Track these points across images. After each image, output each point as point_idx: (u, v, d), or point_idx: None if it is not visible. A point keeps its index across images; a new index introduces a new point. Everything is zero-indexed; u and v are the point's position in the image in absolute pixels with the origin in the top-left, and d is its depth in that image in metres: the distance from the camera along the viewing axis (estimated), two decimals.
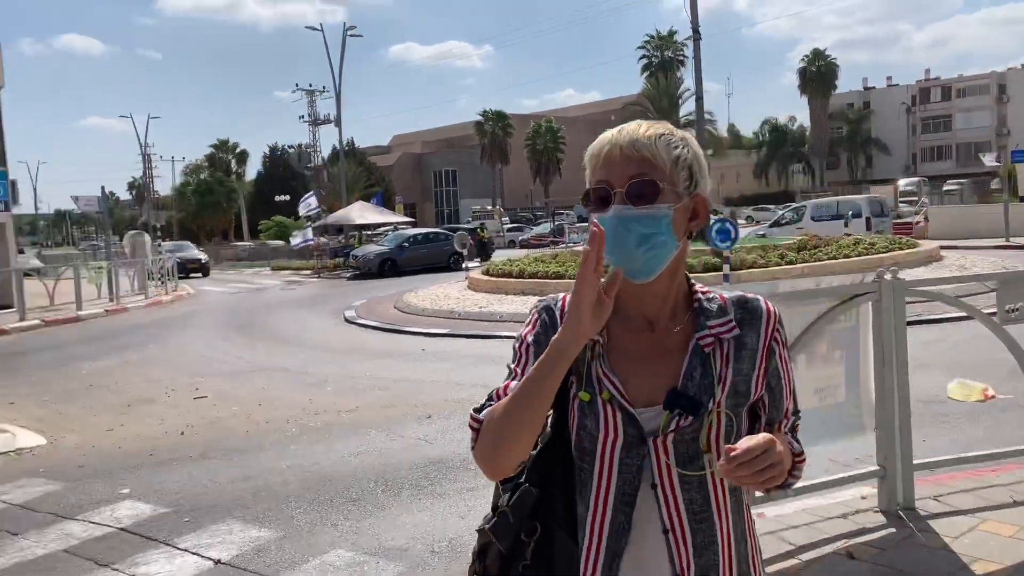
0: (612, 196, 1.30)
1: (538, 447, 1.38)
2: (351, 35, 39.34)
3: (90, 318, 18.34)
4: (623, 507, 1.34)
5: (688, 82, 52.68)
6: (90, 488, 5.92)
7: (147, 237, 27.39)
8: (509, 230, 46.46)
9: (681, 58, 59.43)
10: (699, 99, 19.51)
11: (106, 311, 19.33)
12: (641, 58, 63.27)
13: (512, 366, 1.39)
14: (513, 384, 1.33)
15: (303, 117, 65.38)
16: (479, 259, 29.10)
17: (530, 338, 1.40)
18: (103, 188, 23.72)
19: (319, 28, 39.00)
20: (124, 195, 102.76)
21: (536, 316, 1.43)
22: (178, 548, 4.69)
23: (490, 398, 1.37)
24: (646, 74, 61.33)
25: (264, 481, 5.88)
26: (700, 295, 1.41)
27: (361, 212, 33.41)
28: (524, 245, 39.63)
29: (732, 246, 13.42)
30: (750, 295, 1.44)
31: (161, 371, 11.01)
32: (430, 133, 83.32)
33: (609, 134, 1.35)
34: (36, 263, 35.38)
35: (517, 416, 1.27)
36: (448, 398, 7.87)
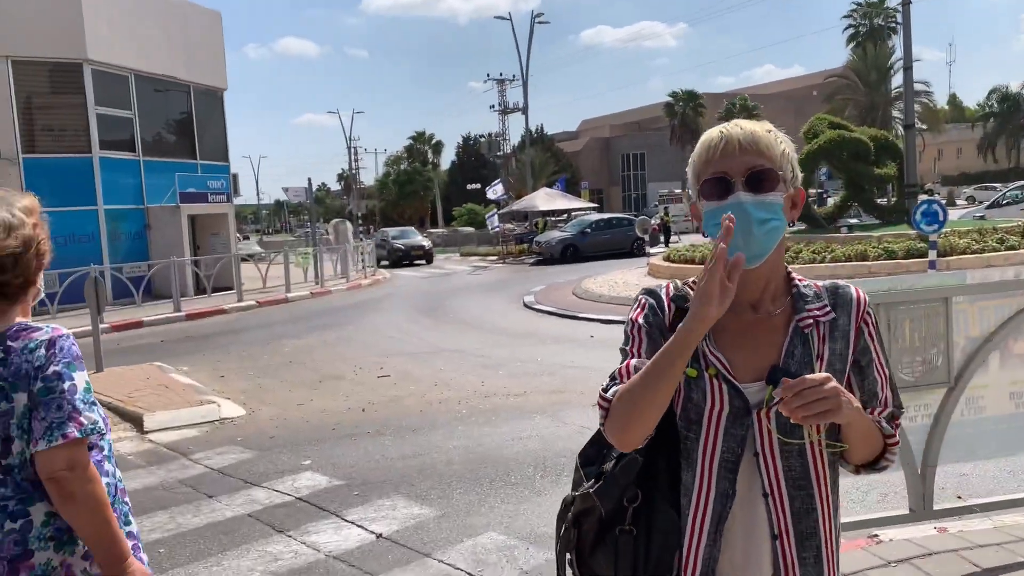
0: (732, 185, 1.41)
1: None
2: (539, 22, 39.79)
3: (297, 300, 19.97)
4: (727, 473, 1.44)
5: (900, 52, 48.44)
6: (277, 458, 6.43)
7: (349, 225, 29.39)
8: None
9: (892, 25, 54.68)
10: (907, 69, 17.79)
11: (311, 293, 20.96)
12: (847, 28, 59.01)
13: (627, 347, 1.51)
14: (634, 363, 1.46)
15: (493, 106, 67.22)
16: (663, 244, 28.52)
17: (640, 320, 1.52)
18: (309, 180, 25.80)
19: (508, 17, 39.73)
20: (334, 186, 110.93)
21: (644, 300, 1.55)
22: (345, 520, 4.98)
23: (613, 378, 1.48)
24: (852, 45, 57.09)
25: (430, 459, 6.10)
26: (798, 282, 1.52)
27: (545, 198, 33.82)
28: None
29: (940, 230, 12.18)
30: (841, 282, 1.55)
31: (352, 350, 11.76)
32: (618, 117, 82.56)
33: (722, 129, 1.45)
34: (257, 249, 39.08)
35: (648, 394, 1.38)
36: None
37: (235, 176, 27.20)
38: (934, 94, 53.20)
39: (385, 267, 30.22)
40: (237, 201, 26.39)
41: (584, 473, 1.56)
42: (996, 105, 65.69)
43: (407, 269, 30.23)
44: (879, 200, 21.35)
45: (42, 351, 1.76)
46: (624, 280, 17.79)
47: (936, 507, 3.51)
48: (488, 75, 71.25)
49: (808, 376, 1.30)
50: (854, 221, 21.10)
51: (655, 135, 70.31)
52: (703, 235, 1.50)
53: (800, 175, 1.50)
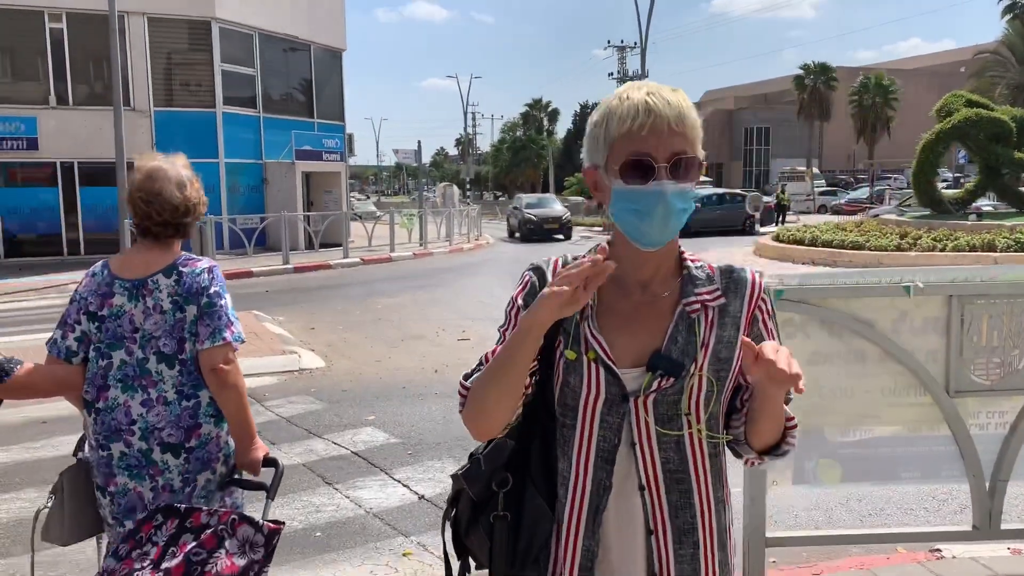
0: (655, 170, 1.29)
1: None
2: None
3: (399, 260, 20.39)
4: (604, 464, 1.37)
5: None
6: (344, 411, 6.56)
7: (456, 189, 29.69)
8: (822, 193, 43.01)
9: None
10: None
11: (414, 254, 21.35)
12: None
13: (502, 329, 1.43)
14: (500, 349, 1.36)
15: (611, 74, 66.01)
16: (778, 223, 27.37)
17: (520, 301, 1.42)
18: (419, 143, 26.15)
19: None
20: (452, 150, 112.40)
21: (528, 278, 1.45)
22: (393, 478, 5.01)
23: (480, 364, 1.39)
24: (1008, 17, 52.45)
25: None
26: (690, 262, 1.42)
27: None
28: (836, 211, 36.38)
29: None
30: (736, 265, 1.46)
31: (439, 311, 11.88)
32: (744, 88, 79.49)
33: (647, 99, 1.30)
34: (372, 208, 40.13)
35: (495, 384, 1.32)
36: None
37: (351, 136, 28.04)
38: None
39: (516, 240, 27.41)
40: (359, 161, 27.11)
41: (476, 450, 1.50)
42: None
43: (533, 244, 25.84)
44: (1022, 187, 19.64)
45: (205, 275, 2.37)
46: (729, 258, 17.04)
47: (1005, 526, 3.15)
48: (608, 42, 69.88)
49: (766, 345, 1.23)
50: (988, 208, 19.51)
51: (782, 109, 67.33)
52: (599, 207, 1.37)
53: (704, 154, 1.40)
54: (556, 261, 1.44)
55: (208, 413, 2.37)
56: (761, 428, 1.37)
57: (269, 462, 2.45)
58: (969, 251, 13.67)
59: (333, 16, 25.30)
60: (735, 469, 4.74)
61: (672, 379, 1.34)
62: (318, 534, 4.24)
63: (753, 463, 1.45)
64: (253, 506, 2.55)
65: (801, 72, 62.04)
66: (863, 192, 41.52)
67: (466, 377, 1.40)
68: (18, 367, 2.28)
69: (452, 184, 32.42)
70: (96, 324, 2.35)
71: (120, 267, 2.40)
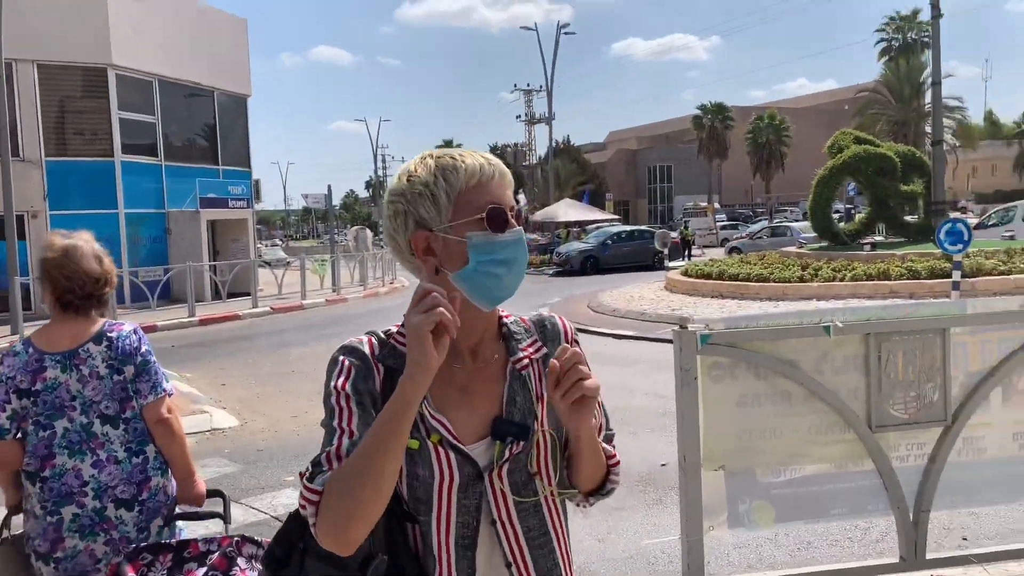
0: (509, 220, 1.28)
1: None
2: (565, 33, 39.63)
3: (312, 307, 19.92)
4: (464, 551, 1.29)
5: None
6: (261, 473, 6.27)
7: (369, 232, 29.38)
8: (723, 227, 44.59)
9: (925, 39, 53.76)
10: (936, 84, 17.33)
11: (327, 301, 20.91)
12: (879, 42, 58.20)
13: (334, 423, 1.25)
14: (346, 444, 1.21)
15: (519, 117, 67.21)
16: (684, 258, 28.16)
17: (348, 389, 1.27)
18: (329, 187, 25.84)
19: (534, 28, 39.63)
20: (363, 192, 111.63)
21: (347, 363, 1.30)
22: None
23: (318, 464, 1.22)
24: (884, 59, 56.27)
25: None
26: (505, 320, 1.40)
27: (567, 209, 33.59)
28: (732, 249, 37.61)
29: (965, 249, 11.77)
30: (545, 313, 1.46)
31: None
32: (646, 129, 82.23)
33: (484, 160, 1.30)
34: (281, 255, 39.26)
35: (373, 475, 1.15)
36: (618, 405, 7.55)
37: (257, 182, 27.41)
38: (968, 110, 52.21)
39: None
40: (266, 207, 26.49)
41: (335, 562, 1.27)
42: None
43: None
44: (908, 218, 20.83)
45: (133, 336, 2.58)
46: (640, 294, 17.49)
47: (930, 556, 3.23)
48: (515, 85, 71.24)
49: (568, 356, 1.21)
50: (879, 239, 20.61)
51: (683, 148, 69.87)
52: (436, 273, 1.29)
53: None
54: (371, 340, 1.33)
55: (155, 466, 2.60)
56: (581, 467, 1.35)
57: (213, 493, 2.75)
58: (866, 280, 14.34)
59: (237, 62, 24.87)
60: (660, 512, 4.72)
61: (522, 442, 1.30)
62: None
63: (582, 506, 1.44)
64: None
65: (699, 112, 64.69)
66: (761, 225, 43.24)
67: (310, 479, 1.20)
68: None
69: (365, 227, 32.05)
70: (30, 399, 2.49)
71: (46, 343, 2.54)
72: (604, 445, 1.42)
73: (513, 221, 1.29)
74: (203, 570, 2.35)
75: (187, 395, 9.03)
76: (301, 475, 1.23)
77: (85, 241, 2.61)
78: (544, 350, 1.38)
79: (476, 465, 1.28)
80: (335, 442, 1.23)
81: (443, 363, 1.26)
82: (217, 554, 2.38)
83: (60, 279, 2.53)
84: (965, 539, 4.39)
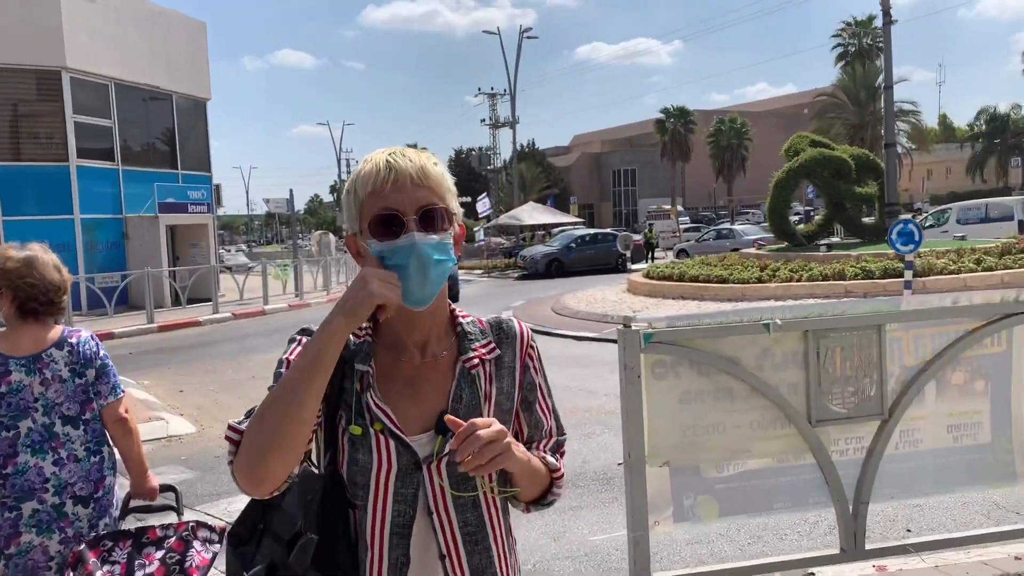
0: (405, 223, 1.28)
1: (307, 492, 1.33)
2: (528, 37, 39.83)
3: (274, 312, 19.73)
4: (400, 540, 1.33)
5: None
6: (217, 479, 6.22)
7: (332, 237, 29.17)
8: (687, 230, 45.07)
9: (880, 45, 54.87)
10: (888, 88, 17.78)
11: (289, 306, 20.73)
12: (836, 47, 59.23)
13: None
14: None
15: (484, 120, 67.22)
16: (646, 260, 28.42)
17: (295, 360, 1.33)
18: (291, 191, 25.60)
19: (496, 32, 39.76)
20: (327, 197, 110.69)
21: (301, 340, 1.38)
22: None
23: (249, 414, 1.28)
24: (841, 64, 57.33)
25: None
26: (461, 319, 1.44)
27: (531, 213, 33.70)
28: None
29: (916, 249, 12.05)
30: (504, 317, 1.49)
31: None
32: (610, 132, 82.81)
33: (388, 159, 1.31)
34: (243, 260, 38.79)
35: (286, 411, 1.20)
36: (578, 406, 7.61)
37: (218, 187, 27.00)
38: (922, 114, 53.27)
39: None
40: (228, 211, 26.16)
41: (241, 557, 1.32)
42: (985, 125, 65.90)
43: None
44: (865, 219, 21.29)
45: (91, 342, 2.77)
46: (603, 296, 17.62)
47: (870, 546, 3.33)
48: (479, 89, 71.28)
49: (475, 421, 1.22)
50: (835, 240, 21.01)
51: (647, 151, 70.50)
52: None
53: (460, 211, 1.41)
54: None
55: (108, 466, 2.78)
56: (522, 487, 1.40)
57: (166, 488, 2.96)
58: (823, 280, 14.63)
59: (196, 65, 24.56)
60: (615, 511, 4.79)
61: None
62: None
63: (526, 511, 1.49)
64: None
65: (662, 116, 65.33)
66: (757, 228, 43.74)
67: (238, 423, 1.27)
68: None
69: (328, 232, 31.80)
70: None
71: (9, 348, 2.67)
72: (547, 458, 1.45)
73: (411, 224, 1.28)
74: (161, 553, 2.56)
75: (144, 402, 8.90)
76: (233, 422, 1.28)
77: (43, 251, 2.80)
78: (497, 351, 1.42)
79: (415, 455, 1.32)
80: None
81: (391, 355, 1.37)
82: (174, 538, 2.60)
83: (23, 287, 2.70)
84: (909, 530, 4.52)
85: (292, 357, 1.34)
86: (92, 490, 2.68)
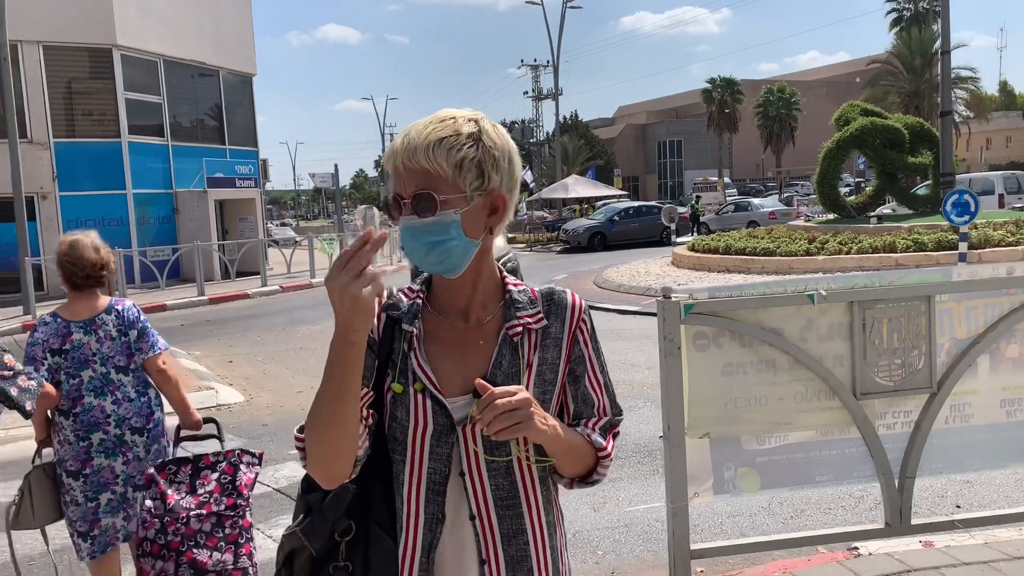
0: (401, 208, 1.31)
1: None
2: (571, 7, 39.26)
3: (320, 285, 19.99)
4: (435, 497, 1.36)
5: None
6: (265, 447, 6.33)
7: (376, 211, 29.35)
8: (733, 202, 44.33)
9: (937, 9, 52.90)
10: (945, 54, 17.10)
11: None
12: (890, 12, 57.21)
13: None
14: None
15: (526, 93, 66.76)
16: (692, 233, 28.09)
17: None
18: (336, 166, 25.89)
19: (539, 2, 39.23)
20: (372, 172, 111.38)
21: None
22: None
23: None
24: (895, 29, 55.45)
25: None
26: (511, 288, 1.44)
27: (574, 186, 33.45)
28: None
29: (971, 221, 11.68)
30: (558, 288, 1.47)
31: None
32: (655, 103, 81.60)
33: (397, 141, 1.33)
34: (290, 234, 39.33)
35: (325, 421, 1.25)
36: (619, 379, 7.60)
37: (265, 161, 27.34)
38: (981, 80, 51.39)
39: None
40: (276, 186, 26.51)
41: (304, 502, 1.41)
42: None
43: None
44: (919, 189, 20.68)
45: (133, 310, 3.46)
46: (646, 270, 17.47)
47: (916, 521, 3.27)
48: (522, 61, 70.70)
49: (498, 388, 1.24)
50: (887, 211, 20.47)
51: (693, 122, 69.37)
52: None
53: (510, 175, 1.35)
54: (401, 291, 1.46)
55: (156, 404, 3.46)
56: (556, 460, 1.39)
57: (208, 420, 3.56)
58: (872, 253, 14.29)
59: (241, 41, 24.81)
60: (656, 483, 4.79)
61: None
62: None
63: (569, 486, 1.47)
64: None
65: (708, 86, 64.08)
66: (772, 199, 43.01)
67: (300, 430, 1.33)
68: (34, 398, 2.96)
69: (372, 206, 31.96)
70: (62, 356, 3.31)
71: (71, 314, 3.38)
72: (594, 436, 1.43)
73: (406, 209, 1.30)
74: (215, 474, 3.17)
75: (194, 372, 9.14)
76: (297, 429, 1.35)
77: (86, 236, 3.45)
78: (544, 321, 1.41)
79: (450, 416, 1.34)
80: None
81: (439, 319, 1.41)
82: (224, 463, 3.20)
83: (67, 265, 3.35)
84: (959, 507, 4.43)
85: None
86: (144, 422, 3.39)
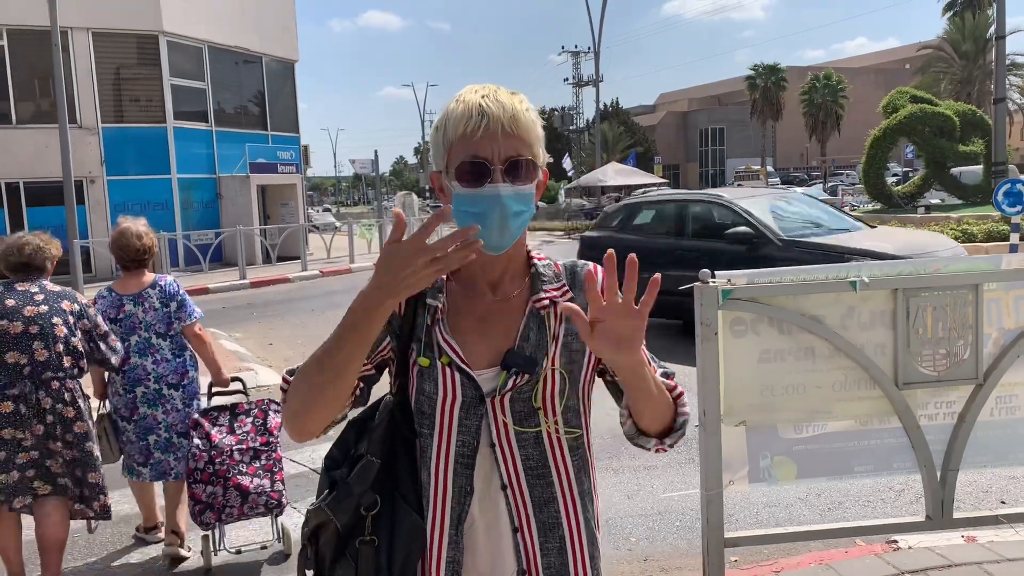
0: (491, 172, 1.28)
1: (377, 418, 1.39)
2: None
3: (360, 270, 20.19)
4: (464, 469, 1.36)
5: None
6: None
7: (415, 197, 29.52)
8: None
9: None
10: (1000, 39, 16.59)
11: (374, 264, 21.10)
12: None
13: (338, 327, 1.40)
14: None
15: (567, 79, 66.39)
16: None
17: None
18: (376, 152, 26.05)
19: None
20: (412, 159, 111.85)
21: None
22: None
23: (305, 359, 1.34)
24: (949, 14, 53.92)
25: None
26: (536, 261, 1.44)
27: (613, 174, 33.21)
28: None
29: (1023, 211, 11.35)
30: (581, 262, 1.47)
31: None
32: (697, 90, 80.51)
33: (481, 103, 1.30)
34: (330, 220, 39.71)
35: (319, 376, 1.25)
36: None
37: (306, 147, 27.65)
38: None
39: None
40: (317, 173, 26.81)
41: (329, 478, 1.42)
42: None
43: None
44: (967, 181, 20.13)
45: (174, 285, 4.16)
46: None
47: (958, 515, 3.19)
48: (563, 47, 70.24)
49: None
50: (936, 201, 19.97)
51: (736, 110, 68.33)
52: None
53: (546, 157, 1.38)
54: None
55: (190, 364, 4.22)
56: (641, 409, 1.34)
57: (235, 379, 4.34)
58: None
59: (284, 27, 25.03)
60: (690, 471, 4.75)
61: (527, 376, 1.35)
62: (278, 556, 4.15)
63: (660, 450, 1.42)
64: None
65: (752, 73, 63.03)
66: (817, 189, 42.24)
67: (290, 372, 1.34)
68: (119, 355, 3.91)
69: (411, 193, 32.17)
70: (116, 324, 4.06)
71: (122, 289, 4.16)
72: (663, 379, 1.39)
73: (498, 175, 1.27)
74: (250, 419, 4.04)
75: (235, 353, 9.29)
76: (287, 372, 1.36)
77: (132, 223, 4.19)
78: (570, 294, 1.41)
79: (479, 389, 1.35)
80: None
81: (464, 292, 1.40)
82: (256, 409, 4.07)
83: (116, 250, 4.14)
84: (1003, 502, 4.32)
85: None
86: (179, 379, 4.15)
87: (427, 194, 53.49)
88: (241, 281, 17.84)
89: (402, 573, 1.35)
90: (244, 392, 4.20)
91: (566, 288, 1.43)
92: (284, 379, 1.35)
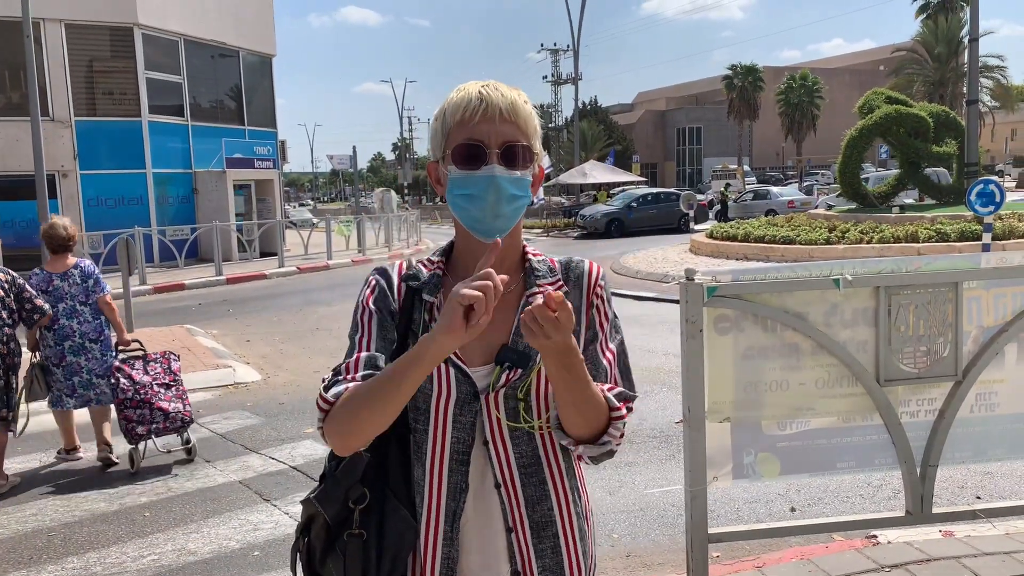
0: (487, 155, 1.29)
1: None
2: None
3: (337, 267, 20.08)
4: (458, 466, 1.36)
5: None
6: (281, 425, 6.39)
7: (393, 194, 29.41)
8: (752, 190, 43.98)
9: None
10: (973, 41, 16.82)
11: (352, 261, 21.04)
12: None
13: (355, 337, 1.38)
14: (364, 356, 1.34)
15: (546, 77, 66.42)
16: (717, 220, 27.89)
17: (371, 304, 1.40)
18: (354, 148, 25.93)
19: None
20: (390, 155, 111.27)
21: (374, 281, 1.43)
22: None
23: (337, 373, 1.34)
24: (922, 16, 54.61)
25: None
26: (531, 257, 1.44)
27: (591, 171, 33.27)
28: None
29: (996, 211, 11.50)
30: (576, 258, 1.48)
31: None
32: (675, 90, 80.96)
33: (481, 90, 1.32)
34: (307, 216, 39.45)
35: (376, 407, 1.24)
36: (636, 364, 7.50)
37: (283, 143, 27.42)
38: (1008, 69, 50.60)
39: None
40: (293, 168, 26.55)
41: (327, 468, 1.42)
42: None
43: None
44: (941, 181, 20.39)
45: (91, 267, 5.69)
46: (664, 256, 17.38)
47: (937, 510, 3.23)
48: (542, 45, 70.23)
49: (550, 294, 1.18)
50: (909, 201, 20.22)
51: (713, 109, 68.79)
52: (442, 200, 1.36)
53: (543, 153, 1.42)
54: (400, 264, 1.45)
55: (104, 325, 5.67)
56: (564, 413, 1.32)
57: (134, 340, 5.74)
58: (894, 242, 14.13)
59: (262, 21, 24.80)
60: (672, 468, 4.75)
61: (520, 371, 1.34)
62: (256, 553, 4.11)
63: (578, 456, 1.40)
64: None
65: (729, 73, 63.47)
66: (792, 188, 42.60)
67: (327, 388, 1.32)
68: (44, 314, 5.34)
69: (390, 189, 32.04)
70: (47, 295, 5.46)
71: (51, 268, 5.59)
72: (608, 395, 1.37)
73: (494, 158, 1.29)
74: (158, 365, 5.56)
75: (211, 350, 9.19)
76: (323, 380, 1.34)
77: (60, 219, 5.67)
78: (564, 289, 1.41)
79: (474, 385, 1.34)
80: (353, 356, 1.35)
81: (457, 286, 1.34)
82: (161, 359, 5.61)
83: (47, 239, 5.57)
84: (979, 497, 4.38)
85: (366, 299, 1.40)
86: (98, 335, 5.60)
87: (406, 191, 53.25)
88: (217, 277, 17.66)
89: (392, 567, 1.35)
90: (143, 350, 5.60)
91: (561, 283, 1.42)
92: (322, 396, 1.31)
